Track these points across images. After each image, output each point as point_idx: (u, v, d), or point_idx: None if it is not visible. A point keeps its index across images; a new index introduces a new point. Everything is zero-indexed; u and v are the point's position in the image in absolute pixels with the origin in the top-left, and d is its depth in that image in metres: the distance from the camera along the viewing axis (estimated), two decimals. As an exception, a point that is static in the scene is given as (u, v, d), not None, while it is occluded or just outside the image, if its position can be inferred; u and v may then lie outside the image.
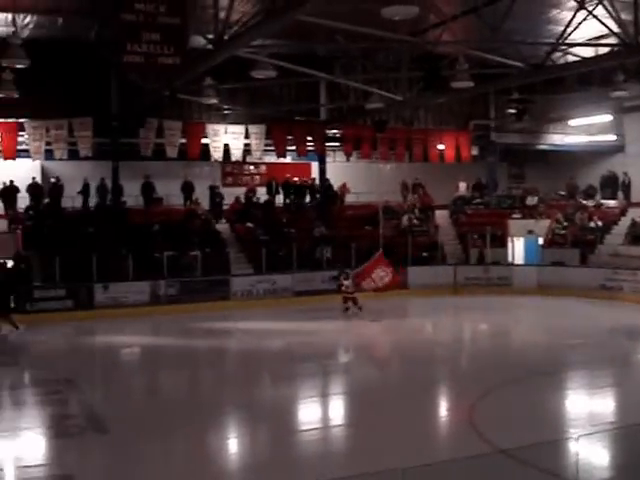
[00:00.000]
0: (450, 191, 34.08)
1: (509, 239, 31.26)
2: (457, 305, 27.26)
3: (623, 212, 31.65)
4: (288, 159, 32.67)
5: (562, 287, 27.72)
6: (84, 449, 11.88)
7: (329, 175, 33.53)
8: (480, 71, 25.75)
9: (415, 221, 32.14)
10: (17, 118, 27.40)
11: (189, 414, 13.72)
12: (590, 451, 10.44)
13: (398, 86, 29.59)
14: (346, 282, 24.70)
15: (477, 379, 16.14)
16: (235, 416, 14.19)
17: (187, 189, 30.75)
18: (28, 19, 23.64)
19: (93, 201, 29.45)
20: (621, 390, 15.83)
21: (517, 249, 31.28)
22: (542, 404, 14.02)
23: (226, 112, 30.88)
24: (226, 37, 18.67)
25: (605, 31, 20.99)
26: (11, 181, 28.39)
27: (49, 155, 28.33)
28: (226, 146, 30.46)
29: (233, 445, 12.57)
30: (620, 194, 33.41)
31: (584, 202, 32.73)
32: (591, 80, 30.25)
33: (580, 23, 21.54)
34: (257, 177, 34.00)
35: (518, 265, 30.61)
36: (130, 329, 23.29)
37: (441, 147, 34.01)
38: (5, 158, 27.59)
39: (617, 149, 35.36)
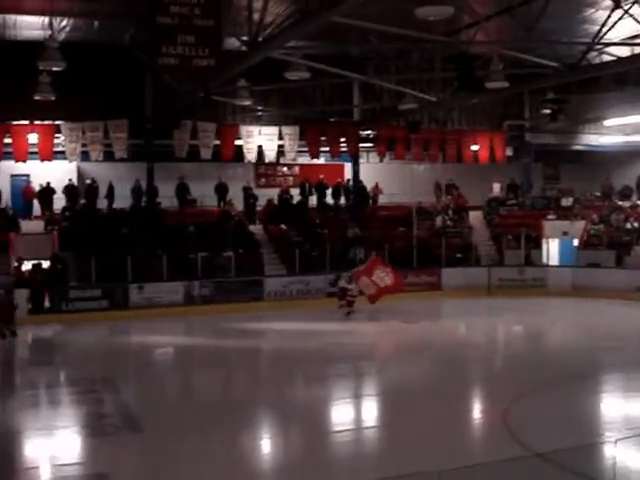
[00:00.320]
0: (484, 192, 33.90)
1: (544, 240, 31.02)
2: (491, 307, 27.07)
3: (660, 213, 31.26)
4: (321, 160, 32.68)
5: (597, 289, 27.45)
6: (119, 448, 11.95)
7: (362, 176, 33.48)
8: (514, 71, 25.58)
9: (449, 222, 32.03)
10: (53, 120, 27.69)
11: (223, 414, 13.77)
12: (627, 455, 10.32)
13: (432, 86, 29.51)
14: (350, 286, 24.68)
15: (511, 381, 16.03)
16: (268, 417, 14.21)
17: (221, 190, 30.91)
18: (65, 22, 23.91)
19: (121, 203, 29.71)
20: (658, 393, 15.63)
21: (552, 250, 31.02)
22: (577, 407, 13.88)
23: (260, 113, 30.99)
24: (260, 39, 18.74)
25: (641, 30, 20.81)
26: (48, 183, 28.77)
27: (85, 157, 28.59)
28: (260, 147, 30.54)
29: (266, 446, 12.58)
30: (657, 195, 33.05)
31: (620, 203, 32.42)
32: (627, 80, 29.99)
33: (616, 22, 21.35)
34: (290, 178, 34.06)
35: (553, 266, 30.36)
36: (164, 329, 23.46)
37: (475, 148, 33.83)
38: (42, 160, 27.90)
39: (653, 149, 34.95)
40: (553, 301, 27.54)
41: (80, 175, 30.30)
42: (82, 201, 29.38)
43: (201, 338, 23.10)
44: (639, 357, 18.53)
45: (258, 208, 31.21)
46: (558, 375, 16.42)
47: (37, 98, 24.97)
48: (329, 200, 32.77)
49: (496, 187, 34.15)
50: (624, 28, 22.22)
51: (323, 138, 31.65)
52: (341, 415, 14.40)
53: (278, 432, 13.38)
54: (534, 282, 29.32)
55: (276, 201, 31.55)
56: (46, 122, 27.72)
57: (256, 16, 18.61)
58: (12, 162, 27.92)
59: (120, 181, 29.89)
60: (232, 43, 20.48)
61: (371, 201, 33.64)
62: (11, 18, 24.21)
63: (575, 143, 35.93)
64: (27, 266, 25.21)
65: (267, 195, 31.73)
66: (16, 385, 17.61)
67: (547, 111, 31.67)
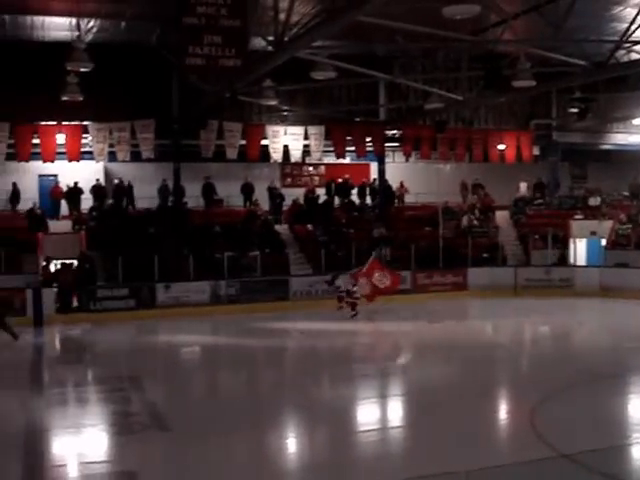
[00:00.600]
0: (511, 191, 33.71)
1: (571, 240, 30.78)
2: (517, 307, 26.89)
3: (689, 213, 30.94)
4: (347, 160, 32.68)
5: (625, 289, 27.19)
6: (147, 446, 11.99)
7: (388, 176, 33.44)
8: (542, 70, 25.45)
9: (475, 222, 31.88)
10: (81, 121, 27.95)
11: (249, 413, 13.78)
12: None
13: (458, 86, 29.45)
14: (354, 288, 24.60)
15: (538, 381, 15.91)
16: (294, 416, 14.21)
17: (247, 190, 31.01)
18: (92, 23, 24.13)
19: (147, 203, 29.91)
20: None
21: (579, 250, 30.78)
22: (605, 408, 13.74)
23: (285, 113, 31.07)
24: (286, 39, 18.80)
25: (670, 28, 20.61)
26: (75, 183, 29.00)
27: (112, 157, 28.85)
28: (285, 147, 30.63)
29: (292, 445, 12.58)
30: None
31: (648, 202, 32.13)
32: (655, 78, 29.70)
33: (644, 20, 21.19)
34: (316, 178, 34.09)
35: (580, 267, 30.14)
36: (191, 328, 23.56)
37: (501, 147, 33.68)
38: (69, 160, 28.16)
39: (682, 148, 34.63)
40: (580, 302, 27.33)
41: (107, 175, 30.52)
42: (109, 201, 29.59)
43: (227, 337, 23.17)
44: (668, 358, 18.37)
45: (284, 208, 31.27)
46: (585, 376, 16.27)
47: (65, 99, 25.22)
48: (355, 199, 32.75)
49: (523, 187, 33.95)
50: (653, 26, 22.02)
51: (349, 138, 31.67)
52: (367, 415, 14.36)
53: (304, 432, 13.37)
54: (561, 282, 29.12)
55: (302, 201, 31.58)
56: (74, 122, 27.99)
57: (282, 16, 18.66)
58: (40, 162, 28.24)
59: (147, 181, 30.10)
60: (258, 43, 20.58)
61: (397, 201, 33.58)
62: (39, 19, 24.48)
63: (603, 142, 35.69)
64: (55, 265, 25.46)
65: (293, 195, 31.79)
66: (44, 383, 17.74)
67: (575, 110, 31.47)
